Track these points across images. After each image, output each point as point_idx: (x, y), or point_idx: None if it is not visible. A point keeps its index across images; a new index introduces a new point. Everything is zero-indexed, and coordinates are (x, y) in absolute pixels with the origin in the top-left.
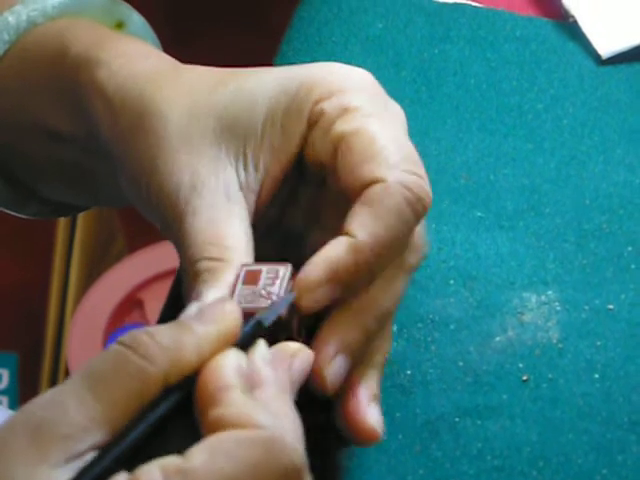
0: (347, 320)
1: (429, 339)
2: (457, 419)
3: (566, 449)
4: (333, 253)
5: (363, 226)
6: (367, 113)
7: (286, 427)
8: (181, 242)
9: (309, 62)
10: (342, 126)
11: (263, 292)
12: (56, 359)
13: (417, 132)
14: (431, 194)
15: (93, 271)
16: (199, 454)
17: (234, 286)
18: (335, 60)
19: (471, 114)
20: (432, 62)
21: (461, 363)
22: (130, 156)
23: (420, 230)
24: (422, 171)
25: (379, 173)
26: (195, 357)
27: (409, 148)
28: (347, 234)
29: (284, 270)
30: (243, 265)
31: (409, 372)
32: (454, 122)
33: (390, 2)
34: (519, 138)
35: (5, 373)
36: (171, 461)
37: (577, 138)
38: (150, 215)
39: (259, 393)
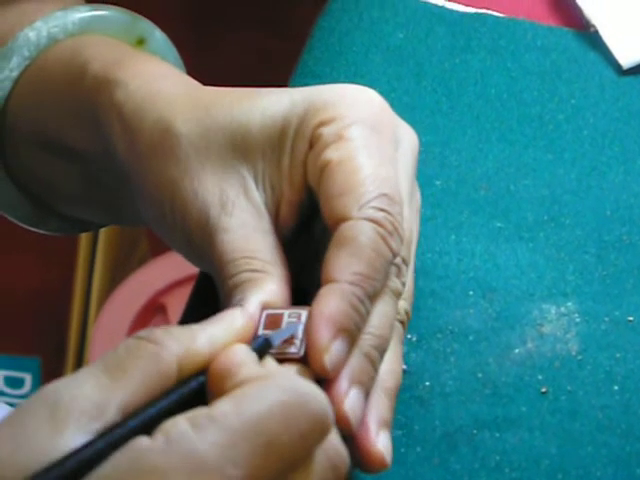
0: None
1: (448, 350)
2: (475, 431)
3: (585, 462)
4: (327, 308)
5: (344, 268)
6: (359, 145)
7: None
8: (215, 259)
9: (329, 71)
10: (331, 153)
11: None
12: (79, 364)
13: (437, 142)
14: (403, 231)
15: (116, 275)
16: (225, 402)
17: (256, 330)
18: (355, 70)
19: (491, 124)
20: (453, 72)
21: (480, 375)
22: (150, 178)
23: (397, 261)
24: (396, 210)
25: (349, 210)
26: (208, 349)
27: (389, 187)
28: (331, 280)
29: (306, 314)
30: (264, 309)
31: (428, 383)
32: (474, 132)
33: (411, 12)
34: (539, 149)
35: (28, 377)
36: (197, 410)
37: (598, 149)
38: (171, 237)
39: None
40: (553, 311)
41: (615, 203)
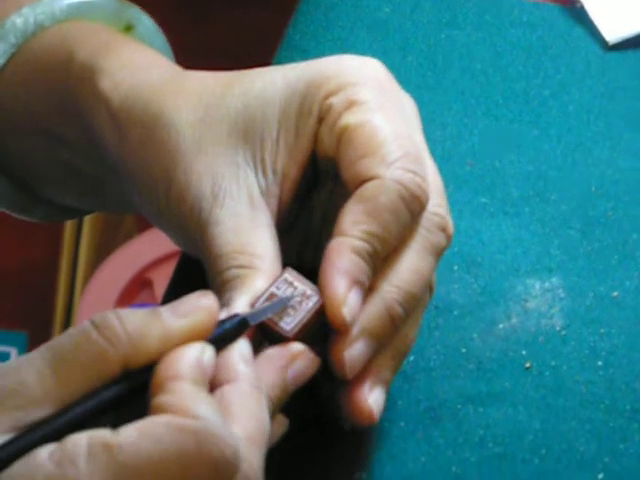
0: (370, 304)
1: (432, 325)
2: (459, 406)
3: (568, 437)
4: (339, 261)
5: (357, 224)
6: (373, 107)
7: (243, 425)
8: (206, 253)
9: (315, 46)
10: (347, 119)
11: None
12: None
13: (423, 118)
14: (429, 192)
15: (102, 250)
16: (128, 432)
17: (255, 303)
18: (340, 44)
19: (477, 99)
20: (438, 47)
21: (464, 350)
22: (143, 170)
23: (439, 210)
24: (421, 169)
25: (375, 170)
26: (157, 346)
27: (411, 145)
28: (341, 233)
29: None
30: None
31: (412, 358)
32: (460, 107)
33: None
34: (525, 124)
35: (14, 352)
36: (101, 433)
37: (583, 124)
38: (167, 227)
39: (225, 388)
40: (537, 286)
41: (600, 179)
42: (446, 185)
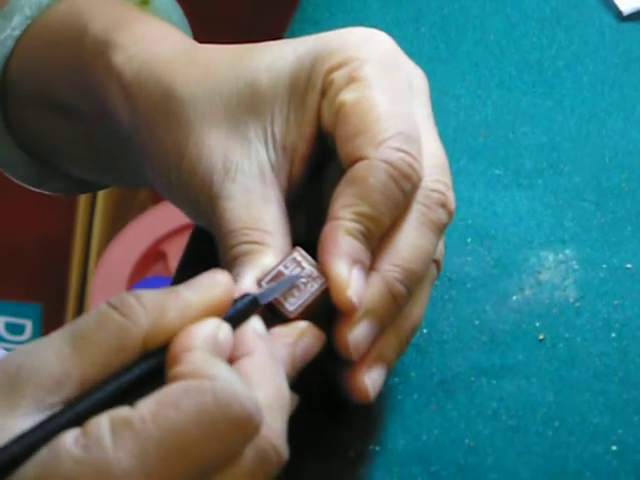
0: (371, 284)
1: (446, 297)
2: (473, 379)
3: (582, 409)
4: (334, 245)
5: (347, 207)
6: (372, 84)
7: (263, 393)
8: (217, 227)
9: (328, 17)
10: (345, 95)
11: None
12: (79, 310)
13: (436, 89)
14: (421, 172)
15: (116, 223)
16: (147, 404)
17: (259, 283)
18: (354, 16)
19: (490, 71)
20: (452, 18)
21: (477, 322)
22: (155, 144)
23: (438, 186)
24: (414, 148)
25: (365, 150)
26: (177, 321)
27: (405, 123)
28: (333, 218)
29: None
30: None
31: (425, 331)
32: (473, 79)
33: None
34: (538, 95)
35: (29, 324)
36: (120, 411)
37: (597, 95)
38: (179, 200)
39: (243, 361)
40: (551, 258)
41: (614, 150)
42: (459, 157)
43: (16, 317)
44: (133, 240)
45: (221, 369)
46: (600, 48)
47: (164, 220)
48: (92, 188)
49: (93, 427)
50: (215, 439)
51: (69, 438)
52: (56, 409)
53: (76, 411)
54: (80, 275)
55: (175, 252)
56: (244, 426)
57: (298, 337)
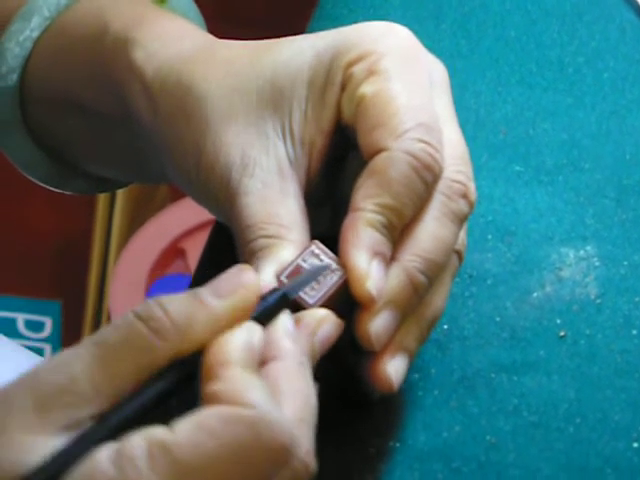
0: (392, 275)
1: (466, 294)
2: (493, 375)
3: (603, 406)
4: (355, 236)
5: (368, 197)
6: (392, 76)
7: (292, 405)
8: (235, 223)
9: (347, 14)
10: (365, 88)
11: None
12: (99, 307)
13: (456, 86)
14: (442, 163)
15: (136, 219)
16: (184, 429)
17: (279, 278)
18: (373, 12)
19: (511, 67)
20: (472, 15)
21: (498, 318)
22: (175, 141)
23: (459, 177)
24: (435, 139)
25: (386, 141)
26: (207, 333)
27: (426, 115)
28: (355, 209)
29: (328, 260)
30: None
31: (446, 327)
32: (493, 75)
33: None
34: (559, 92)
35: (48, 321)
36: (157, 433)
37: (618, 92)
38: (200, 197)
39: (272, 366)
40: (572, 255)
41: (635, 147)
42: (480, 153)
43: (36, 314)
44: (152, 238)
45: (259, 396)
46: (621, 45)
47: (183, 218)
48: (112, 187)
49: (128, 447)
50: (251, 470)
51: (104, 455)
52: (86, 426)
53: (109, 425)
54: (100, 273)
55: (194, 250)
56: (279, 458)
57: (317, 325)
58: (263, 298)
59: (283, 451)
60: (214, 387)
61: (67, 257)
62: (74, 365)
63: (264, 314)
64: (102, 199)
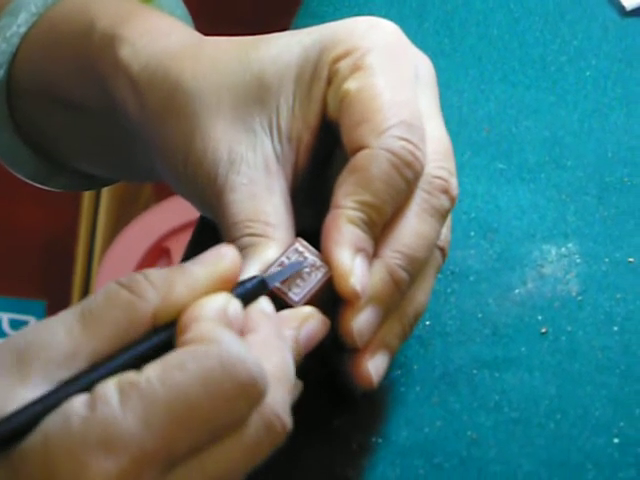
0: (373, 271)
1: (448, 290)
2: (475, 371)
3: (584, 402)
4: (337, 233)
5: (349, 195)
6: (376, 72)
7: (267, 365)
8: (221, 219)
9: (332, 12)
10: (349, 84)
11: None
12: None
13: (439, 84)
14: (423, 160)
15: (121, 219)
16: (153, 367)
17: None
18: (358, 10)
19: (494, 65)
20: (455, 13)
21: (480, 315)
22: (162, 137)
23: (440, 173)
24: (416, 136)
25: (368, 138)
26: (185, 296)
27: (408, 112)
28: (336, 206)
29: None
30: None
31: (428, 323)
32: (476, 73)
33: None
34: (541, 90)
35: (33, 321)
36: (127, 375)
37: (600, 90)
38: (187, 193)
39: (249, 337)
40: (554, 252)
41: (616, 145)
42: (463, 151)
43: (20, 314)
44: (137, 237)
45: (227, 334)
46: (603, 43)
47: (168, 217)
48: (99, 184)
49: (100, 389)
50: (220, 401)
51: (79, 400)
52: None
53: (85, 380)
54: (84, 272)
55: (179, 249)
56: (249, 389)
57: (302, 322)
58: (242, 283)
59: (252, 385)
60: (185, 336)
61: (52, 256)
62: (56, 326)
63: (243, 296)
64: (87, 199)
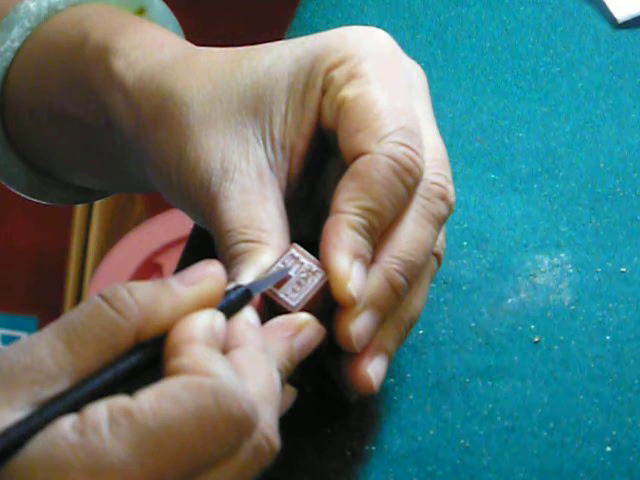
0: (371, 276)
1: (442, 300)
2: (468, 380)
3: (576, 411)
4: (336, 238)
5: (350, 200)
6: (372, 79)
7: (254, 384)
8: (215, 227)
9: (325, 24)
10: (346, 91)
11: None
12: None
13: (432, 95)
14: (422, 166)
15: (112, 235)
16: (147, 396)
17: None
18: (351, 22)
19: (486, 77)
20: (448, 25)
21: (473, 324)
22: (156, 147)
23: (438, 179)
24: (415, 142)
25: (368, 144)
26: (170, 316)
27: (407, 118)
28: (336, 211)
29: (309, 263)
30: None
31: (421, 332)
32: (469, 85)
33: None
34: (534, 101)
35: (24, 336)
36: (119, 400)
37: (592, 102)
38: (180, 203)
39: (234, 352)
40: (546, 262)
41: (608, 156)
42: (455, 161)
43: (12, 329)
44: (129, 252)
45: (221, 367)
46: (595, 55)
47: (160, 233)
48: (92, 197)
49: (91, 413)
50: (212, 438)
51: (67, 423)
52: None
53: (70, 400)
54: (76, 287)
55: (171, 264)
56: (241, 426)
57: (297, 329)
58: (226, 294)
59: (245, 420)
60: (177, 361)
61: (44, 272)
62: (39, 345)
63: (227, 308)
64: (79, 214)
